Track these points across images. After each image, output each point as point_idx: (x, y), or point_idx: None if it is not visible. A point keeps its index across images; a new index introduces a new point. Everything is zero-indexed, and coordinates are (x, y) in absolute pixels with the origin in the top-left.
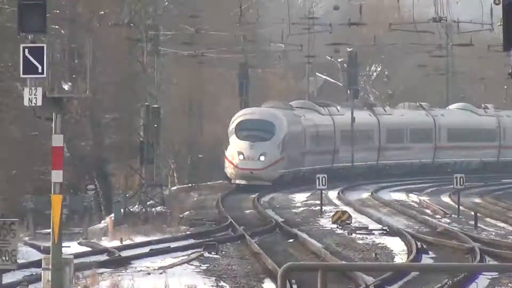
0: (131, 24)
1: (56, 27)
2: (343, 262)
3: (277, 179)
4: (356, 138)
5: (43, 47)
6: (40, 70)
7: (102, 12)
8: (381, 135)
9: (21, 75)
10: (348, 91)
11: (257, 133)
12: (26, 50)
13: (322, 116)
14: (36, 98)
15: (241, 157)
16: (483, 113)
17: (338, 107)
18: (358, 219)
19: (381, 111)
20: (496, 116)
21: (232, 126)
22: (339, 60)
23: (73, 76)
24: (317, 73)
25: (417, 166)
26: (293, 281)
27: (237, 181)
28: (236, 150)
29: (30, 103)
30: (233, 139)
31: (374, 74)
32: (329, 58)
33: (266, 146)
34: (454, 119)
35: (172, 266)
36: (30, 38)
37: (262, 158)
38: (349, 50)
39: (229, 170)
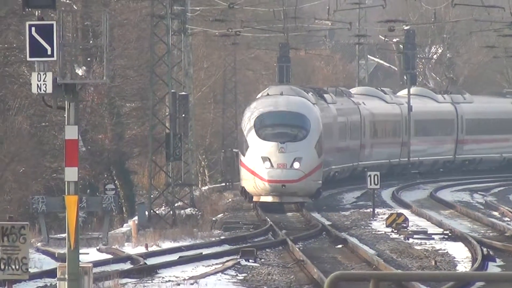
0: None
1: (68, 1)
2: (399, 271)
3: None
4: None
5: (52, 24)
6: (49, 52)
7: None
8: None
9: (28, 58)
10: (405, 76)
11: (286, 130)
12: (33, 29)
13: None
14: (45, 84)
15: (267, 164)
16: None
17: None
18: (415, 222)
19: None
20: None
21: (249, 121)
22: (394, 40)
23: (88, 59)
24: (368, 56)
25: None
26: None
27: (263, 199)
28: (259, 155)
29: (38, 90)
30: (252, 139)
31: (435, 56)
32: (383, 38)
33: (300, 147)
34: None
35: (204, 275)
36: (38, 14)
37: (296, 165)
38: (405, 28)
39: (250, 183)
